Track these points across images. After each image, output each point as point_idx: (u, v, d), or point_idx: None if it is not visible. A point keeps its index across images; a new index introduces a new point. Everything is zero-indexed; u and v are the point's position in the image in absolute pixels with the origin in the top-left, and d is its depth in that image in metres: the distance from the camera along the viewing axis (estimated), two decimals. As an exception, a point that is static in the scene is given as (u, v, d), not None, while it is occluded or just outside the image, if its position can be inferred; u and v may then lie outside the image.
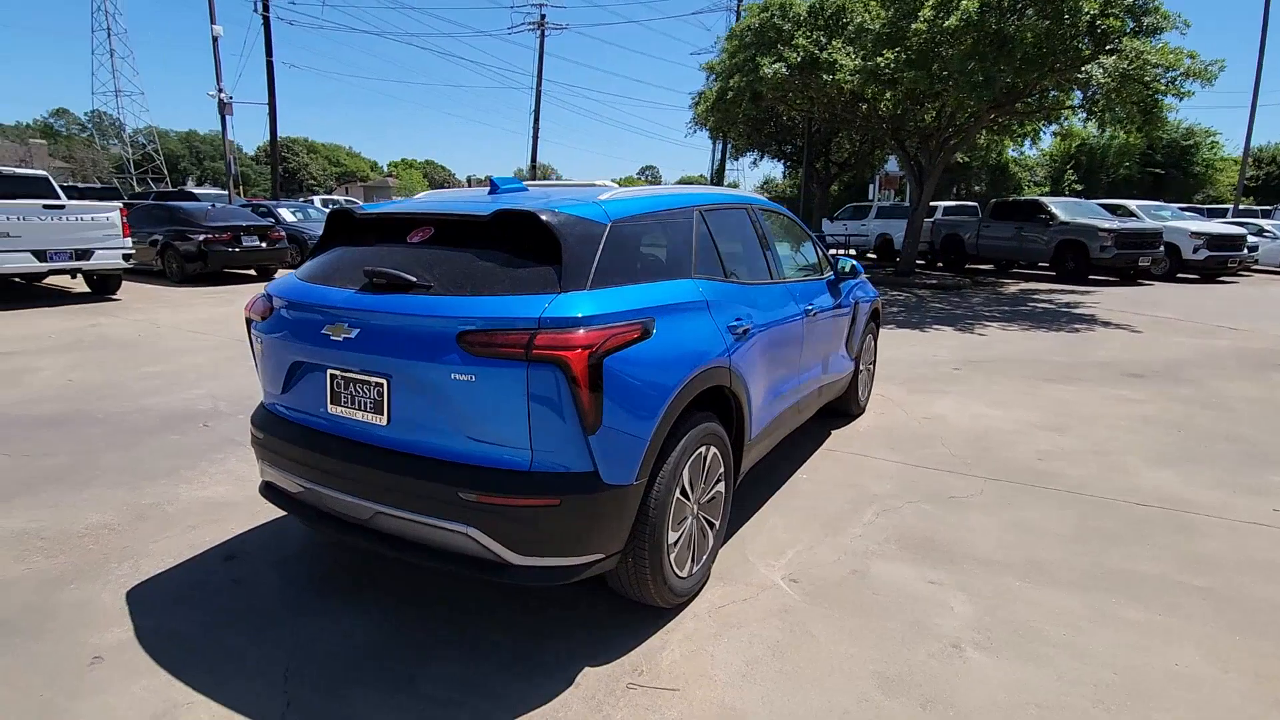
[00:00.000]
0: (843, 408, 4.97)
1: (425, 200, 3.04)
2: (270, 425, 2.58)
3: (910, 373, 6.61)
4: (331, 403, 2.37)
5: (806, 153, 18.92)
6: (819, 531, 3.30)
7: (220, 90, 16.93)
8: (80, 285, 10.92)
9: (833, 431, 4.80)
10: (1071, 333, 8.99)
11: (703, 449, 2.59)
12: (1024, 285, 14.66)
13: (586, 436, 2.08)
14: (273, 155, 26.17)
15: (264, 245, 12.37)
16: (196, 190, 19.49)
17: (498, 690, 2.18)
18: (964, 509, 3.57)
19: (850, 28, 11.79)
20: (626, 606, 2.58)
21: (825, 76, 11.86)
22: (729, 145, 22.50)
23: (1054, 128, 15.47)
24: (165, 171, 55.14)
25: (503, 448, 2.11)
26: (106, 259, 9.61)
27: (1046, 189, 29.12)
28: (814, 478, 3.98)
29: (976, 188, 27.92)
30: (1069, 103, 12.76)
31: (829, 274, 4.26)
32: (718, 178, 38.19)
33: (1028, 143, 16.92)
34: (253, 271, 13.15)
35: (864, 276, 5.21)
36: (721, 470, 2.79)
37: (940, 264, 18.90)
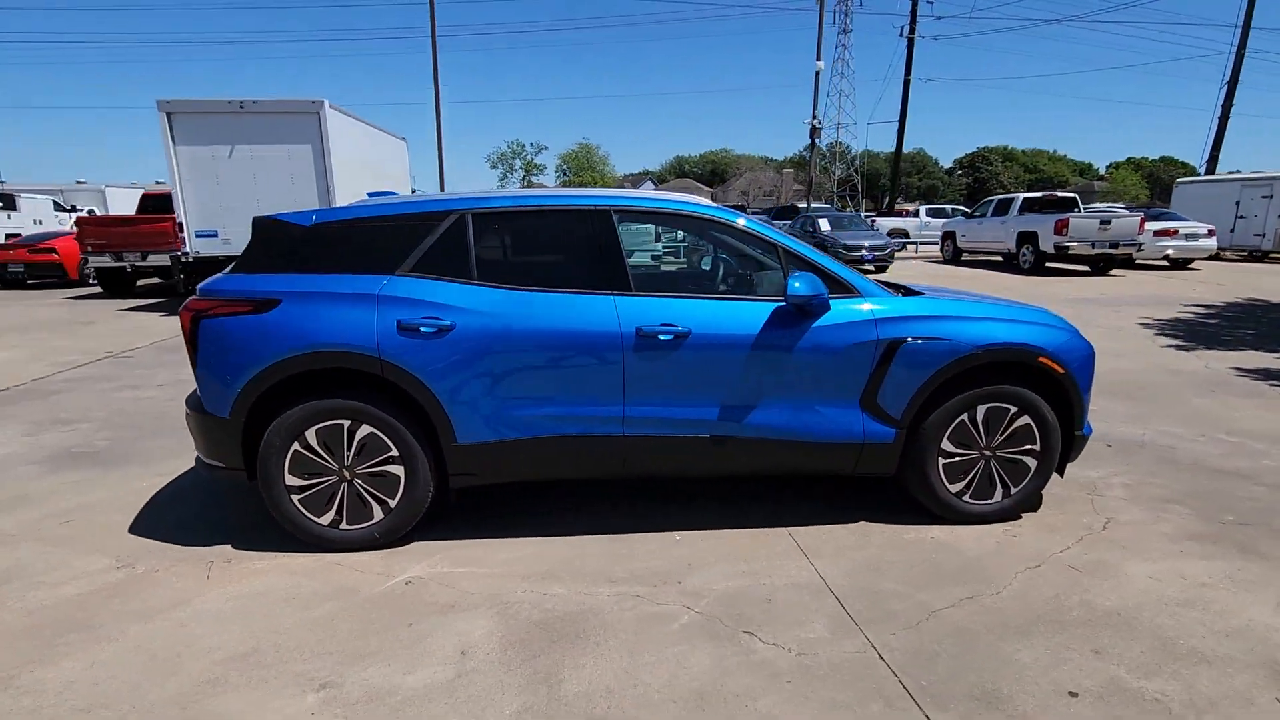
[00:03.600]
0: (921, 500, 3.38)
1: None
2: None
3: (1295, 514, 3.47)
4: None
5: None
6: (508, 570, 2.95)
7: (814, 117, 19.61)
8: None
9: (864, 521, 3.41)
10: None
11: (346, 422, 2.99)
12: None
13: (195, 371, 2.99)
14: (894, 166, 28.10)
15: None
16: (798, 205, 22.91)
17: (198, 540, 3.31)
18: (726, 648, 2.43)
19: None
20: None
21: None
22: None
23: None
24: (860, 189, 63.92)
25: (205, 374, 3.22)
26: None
27: None
28: (689, 540, 3.21)
29: None
30: None
31: (786, 298, 3.14)
32: None
33: None
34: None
35: (1001, 302, 3.37)
36: (394, 454, 3.03)
37: None
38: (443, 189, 20.16)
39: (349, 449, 3.03)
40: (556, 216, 3.22)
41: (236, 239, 10.42)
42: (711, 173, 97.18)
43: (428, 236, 3.10)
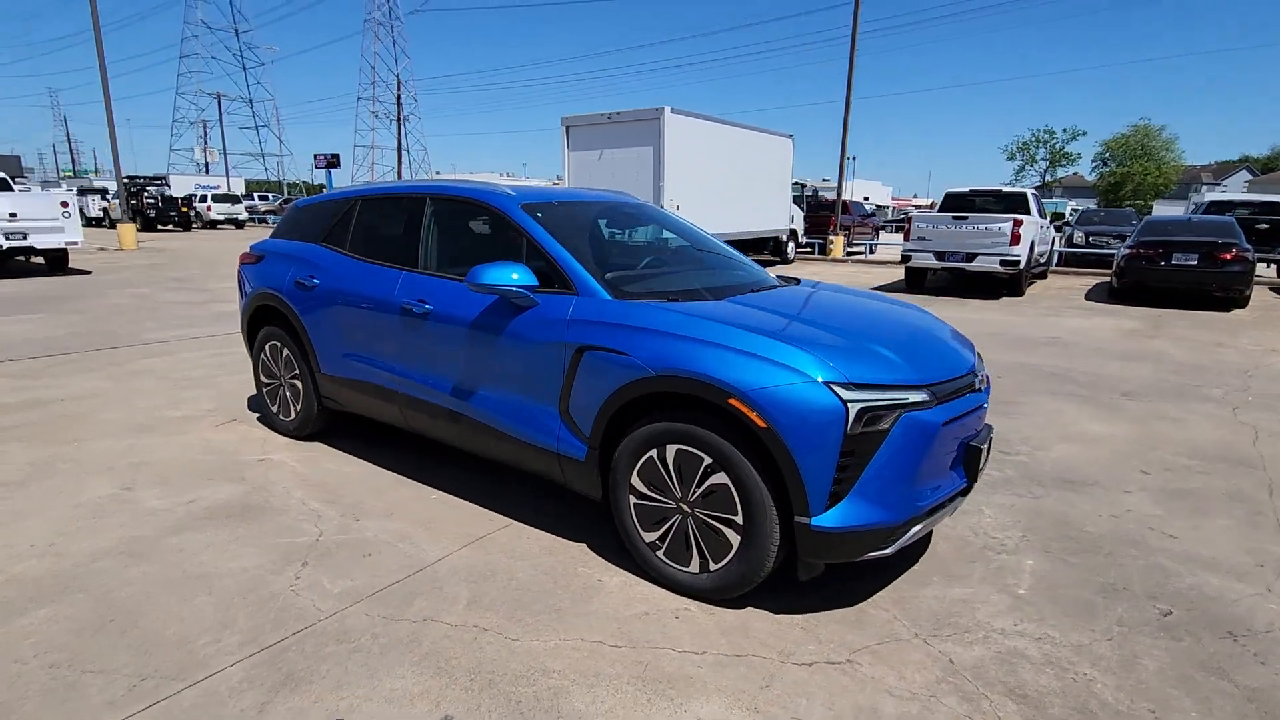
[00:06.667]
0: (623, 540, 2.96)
1: None
2: None
3: None
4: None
5: None
6: (311, 478, 3.77)
7: None
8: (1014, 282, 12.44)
9: (585, 545, 3.13)
10: None
11: (277, 343, 4.31)
12: None
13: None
14: None
15: (1197, 264, 10.09)
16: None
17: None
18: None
19: None
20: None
21: None
22: None
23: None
24: None
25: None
26: (984, 264, 11.16)
27: None
28: (441, 499, 3.54)
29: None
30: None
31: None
32: None
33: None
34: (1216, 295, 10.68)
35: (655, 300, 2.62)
36: (297, 372, 4.23)
37: None
38: (840, 186, 19.85)
39: (280, 363, 4.35)
40: (400, 202, 3.85)
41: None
42: (1359, 158, 67.48)
43: (335, 216, 4.13)
